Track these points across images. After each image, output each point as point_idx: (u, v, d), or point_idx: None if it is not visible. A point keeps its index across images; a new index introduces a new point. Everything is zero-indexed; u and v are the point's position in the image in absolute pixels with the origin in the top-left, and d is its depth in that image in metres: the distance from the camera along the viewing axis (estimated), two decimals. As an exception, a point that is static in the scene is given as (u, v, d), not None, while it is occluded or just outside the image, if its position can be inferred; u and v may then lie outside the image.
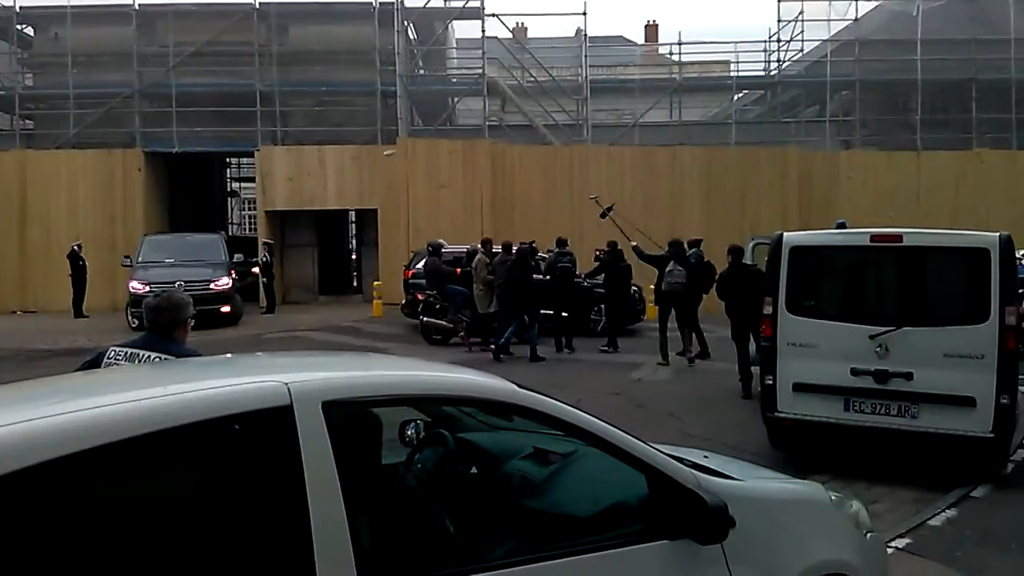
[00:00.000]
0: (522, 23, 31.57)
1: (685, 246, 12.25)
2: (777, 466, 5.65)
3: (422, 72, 24.81)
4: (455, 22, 24.31)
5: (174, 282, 15.55)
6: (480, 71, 21.73)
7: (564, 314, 12.93)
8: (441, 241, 14.41)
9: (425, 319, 13.62)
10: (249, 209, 33.25)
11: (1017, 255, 9.00)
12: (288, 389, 2.04)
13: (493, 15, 22.39)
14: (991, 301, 5.94)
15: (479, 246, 13.25)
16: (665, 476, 2.56)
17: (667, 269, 11.70)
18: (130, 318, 15.39)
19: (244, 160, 27.88)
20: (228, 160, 28.11)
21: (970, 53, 21.56)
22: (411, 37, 23.70)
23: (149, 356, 3.52)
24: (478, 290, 12.65)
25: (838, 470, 6.43)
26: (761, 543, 2.74)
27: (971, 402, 5.92)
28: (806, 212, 19.16)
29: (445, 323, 13.53)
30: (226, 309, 16.34)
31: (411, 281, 14.82)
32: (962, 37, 21.72)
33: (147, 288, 15.26)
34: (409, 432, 2.99)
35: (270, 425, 2.00)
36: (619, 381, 10.60)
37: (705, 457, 3.27)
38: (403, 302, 15.28)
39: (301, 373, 2.33)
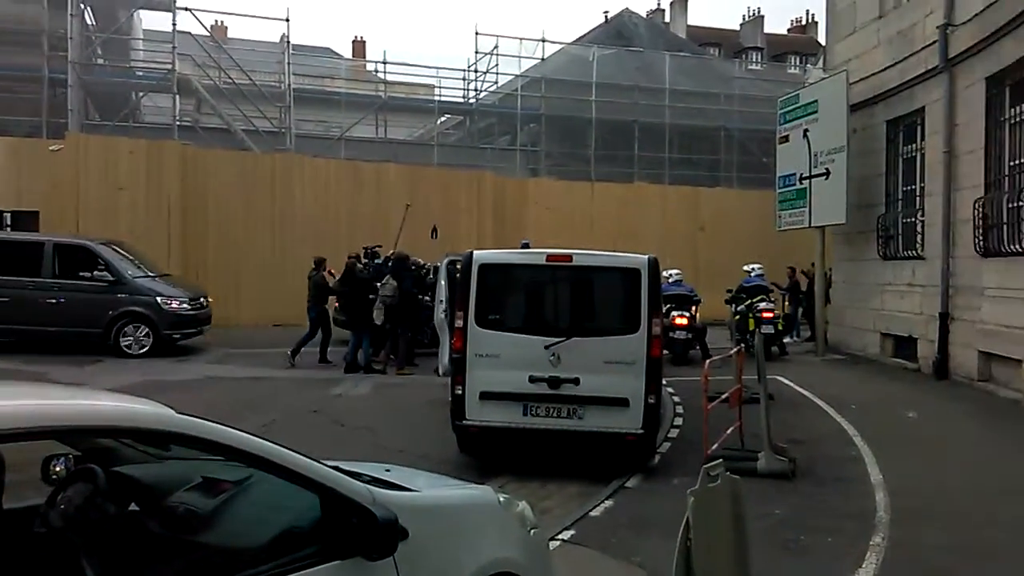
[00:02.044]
0: (221, 21, 29.77)
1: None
2: (465, 472, 5.97)
3: (100, 61, 22.21)
4: (144, 12, 22.18)
5: (198, 297, 14.05)
6: (170, 66, 20.02)
7: None
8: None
9: None
10: None
11: (664, 275, 10.53)
12: None
13: (187, 9, 20.71)
14: (641, 314, 6.84)
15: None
16: (337, 494, 2.56)
17: (382, 283, 12.43)
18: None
19: None
20: None
21: (634, 98, 24.82)
22: (88, 22, 21.12)
23: None
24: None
25: (517, 471, 6.97)
26: (434, 550, 2.85)
27: (625, 403, 6.76)
28: (499, 232, 20.45)
29: None
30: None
31: None
32: (628, 84, 24.95)
33: (184, 305, 13.71)
34: (57, 468, 2.68)
35: None
36: (318, 398, 10.42)
37: (387, 471, 3.33)
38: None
39: None
